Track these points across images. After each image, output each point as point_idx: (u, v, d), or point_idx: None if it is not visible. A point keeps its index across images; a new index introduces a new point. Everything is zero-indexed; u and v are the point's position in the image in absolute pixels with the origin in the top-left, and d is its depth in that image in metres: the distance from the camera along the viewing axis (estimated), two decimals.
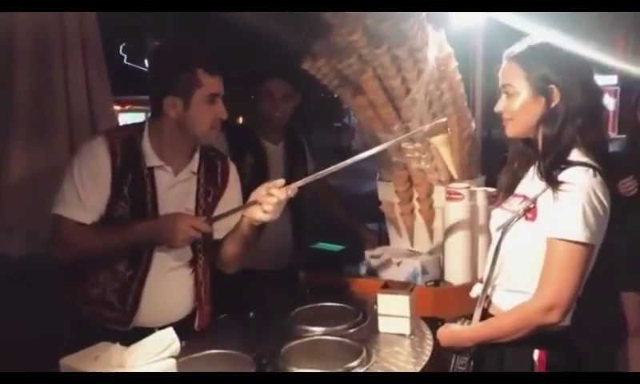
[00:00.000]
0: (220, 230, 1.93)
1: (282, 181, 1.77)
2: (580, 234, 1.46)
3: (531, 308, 1.52)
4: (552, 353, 1.54)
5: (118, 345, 1.55)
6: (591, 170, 1.49)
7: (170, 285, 1.89)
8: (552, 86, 1.55)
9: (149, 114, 1.97)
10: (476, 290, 1.69)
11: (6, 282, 2.08)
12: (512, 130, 1.65)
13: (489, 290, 1.66)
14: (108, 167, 1.80)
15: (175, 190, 1.89)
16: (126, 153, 1.83)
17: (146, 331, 1.66)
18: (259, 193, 1.77)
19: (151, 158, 1.85)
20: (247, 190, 2.20)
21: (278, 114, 2.65)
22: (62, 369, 1.51)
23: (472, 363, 1.61)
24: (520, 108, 1.59)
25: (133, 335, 1.66)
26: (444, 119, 1.90)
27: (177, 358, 1.54)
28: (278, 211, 1.76)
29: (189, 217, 1.81)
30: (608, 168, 1.53)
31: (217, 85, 1.84)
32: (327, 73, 2.32)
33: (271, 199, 1.73)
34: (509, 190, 1.70)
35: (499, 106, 1.65)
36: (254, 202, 1.77)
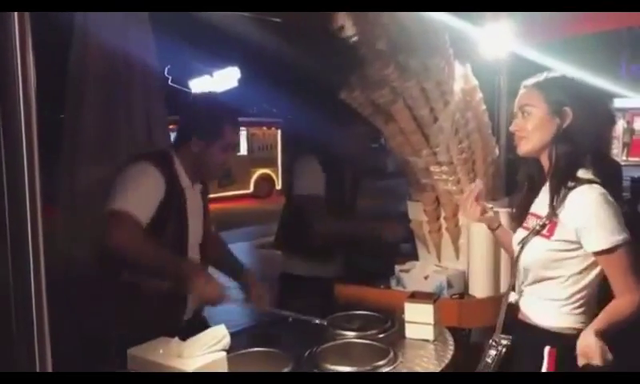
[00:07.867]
0: None
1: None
2: (618, 237, 1.60)
3: (626, 303, 1.60)
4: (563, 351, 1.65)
5: (176, 338, 1.77)
6: (596, 184, 1.65)
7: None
8: (566, 108, 1.70)
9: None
10: (513, 296, 1.85)
11: (77, 284, 2.33)
12: (524, 147, 1.77)
13: (517, 299, 1.83)
14: (162, 190, 2.06)
15: (195, 203, 2.22)
16: (169, 177, 2.10)
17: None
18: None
19: (184, 180, 2.16)
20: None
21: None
22: (129, 358, 1.75)
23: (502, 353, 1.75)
24: (535, 126, 1.73)
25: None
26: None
27: (227, 351, 1.77)
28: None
29: (217, 284, 2.00)
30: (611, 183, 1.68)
31: (235, 136, 2.19)
32: (362, 102, 2.53)
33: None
34: (524, 210, 1.88)
35: (514, 126, 1.79)
36: None
